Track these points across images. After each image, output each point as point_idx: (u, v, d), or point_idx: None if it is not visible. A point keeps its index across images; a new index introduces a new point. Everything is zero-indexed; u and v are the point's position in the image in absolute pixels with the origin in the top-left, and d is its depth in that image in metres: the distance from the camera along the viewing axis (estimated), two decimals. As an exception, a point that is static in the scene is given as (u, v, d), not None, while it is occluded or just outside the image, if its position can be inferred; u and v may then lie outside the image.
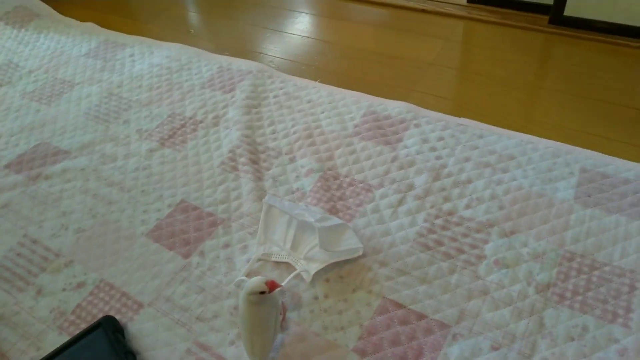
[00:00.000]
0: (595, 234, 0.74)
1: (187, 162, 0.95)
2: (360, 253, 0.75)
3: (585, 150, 0.86)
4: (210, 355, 0.67)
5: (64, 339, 0.70)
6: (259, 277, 0.61)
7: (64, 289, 0.78)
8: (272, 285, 0.60)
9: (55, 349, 0.68)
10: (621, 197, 0.78)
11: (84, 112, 1.11)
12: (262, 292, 0.60)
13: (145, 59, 1.25)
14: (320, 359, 0.65)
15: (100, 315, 0.73)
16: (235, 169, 0.92)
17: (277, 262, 0.76)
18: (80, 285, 0.78)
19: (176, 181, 0.92)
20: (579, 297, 0.67)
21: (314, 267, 0.74)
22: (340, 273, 0.74)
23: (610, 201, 0.77)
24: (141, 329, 0.72)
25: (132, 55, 1.28)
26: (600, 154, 0.85)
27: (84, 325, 0.71)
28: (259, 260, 0.77)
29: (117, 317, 0.73)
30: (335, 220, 0.76)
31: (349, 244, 0.75)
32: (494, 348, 0.64)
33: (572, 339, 0.64)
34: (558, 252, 0.72)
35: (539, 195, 0.80)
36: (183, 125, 1.04)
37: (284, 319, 0.69)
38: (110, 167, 0.97)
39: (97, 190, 0.93)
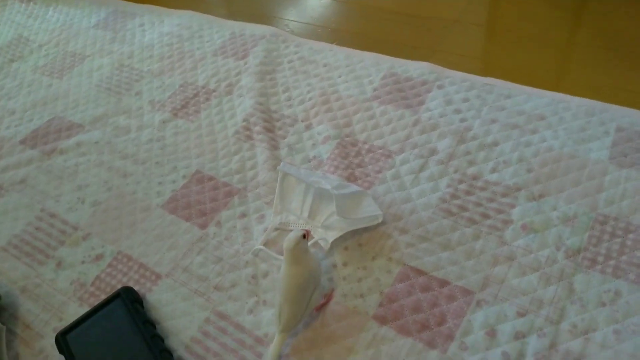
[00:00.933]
0: (631, 196, 0.73)
1: (200, 133, 0.97)
2: (380, 220, 0.76)
3: (621, 107, 0.84)
4: (228, 324, 0.70)
5: (85, 309, 0.74)
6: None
7: (82, 262, 0.82)
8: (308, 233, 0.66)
9: (76, 320, 0.72)
10: (661, 156, 0.76)
11: (95, 85, 1.14)
12: (303, 236, 0.65)
13: (155, 28, 1.27)
14: (339, 326, 0.67)
15: (119, 287, 0.76)
16: (250, 138, 0.94)
17: None
18: (99, 257, 0.82)
19: (190, 152, 0.94)
20: (612, 262, 0.67)
21: (332, 235, 0.75)
22: (360, 241, 0.75)
23: (648, 161, 0.76)
24: (160, 299, 0.75)
25: (142, 24, 1.29)
26: (637, 111, 0.83)
27: (103, 297, 0.75)
28: (276, 229, 0.79)
29: (136, 288, 0.76)
30: (353, 188, 0.77)
31: (368, 211, 0.76)
32: (520, 314, 0.64)
33: (604, 305, 0.64)
34: (590, 215, 0.72)
35: (570, 156, 0.79)
36: (196, 95, 1.05)
37: (326, 303, 0.70)
38: (123, 140, 1.00)
39: (111, 163, 0.96)
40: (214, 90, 1.06)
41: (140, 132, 1.01)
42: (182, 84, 1.09)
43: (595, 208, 0.73)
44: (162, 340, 0.70)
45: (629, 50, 0.98)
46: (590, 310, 0.63)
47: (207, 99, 1.04)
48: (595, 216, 0.72)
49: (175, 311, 0.73)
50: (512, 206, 0.75)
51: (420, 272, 0.71)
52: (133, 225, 0.85)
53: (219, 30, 1.21)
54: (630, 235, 0.69)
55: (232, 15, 1.31)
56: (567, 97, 0.88)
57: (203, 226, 0.82)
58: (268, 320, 0.69)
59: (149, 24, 1.29)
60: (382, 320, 0.67)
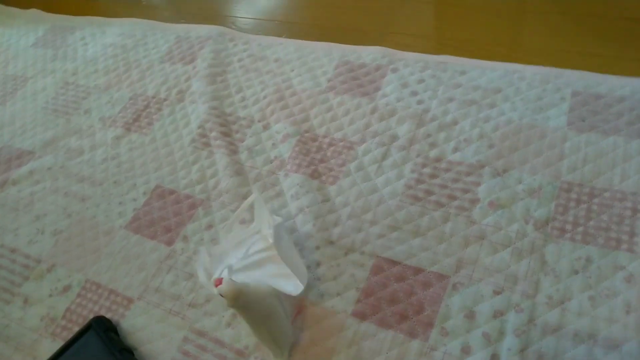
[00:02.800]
0: (593, 160, 0.73)
1: (156, 145, 0.94)
2: (300, 291, 0.64)
3: (575, 71, 0.84)
4: (208, 340, 0.69)
5: (59, 344, 0.71)
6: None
7: (50, 295, 0.79)
8: (217, 282, 0.59)
9: (49, 358, 0.70)
10: (617, 116, 0.77)
11: (41, 107, 1.09)
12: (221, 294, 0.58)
13: (97, 40, 1.22)
14: (319, 328, 0.67)
15: (91, 316, 0.74)
16: (207, 145, 0.91)
17: None
18: (66, 288, 0.79)
19: (148, 167, 0.91)
20: (580, 228, 0.67)
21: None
22: (330, 238, 0.74)
23: (605, 123, 0.76)
24: (134, 324, 0.73)
25: (83, 38, 1.24)
26: (592, 73, 0.83)
27: (76, 329, 0.73)
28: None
29: (108, 315, 0.74)
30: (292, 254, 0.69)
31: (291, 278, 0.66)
32: (496, 292, 0.65)
33: (576, 272, 0.64)
34: (555, 184, 0.72)
35: (530, 127, 0.79)
36: (147, 106, 1.02)
37: (298, 314, 0.66)
38: (77, 162, 0.96)
39: (67, 187, 0.92)
40: (165, 99, 1.02)
41: (94, 152, 0.97)
42: (132, 97, 1.05)
43: (559, 176, 0.73)
44: (141, 367, 0.68)
45: (577, 13, 0.98)
46: (564, 279, 0.64)
47: (159, 109, 1.00)
48: (560, 184, 0.72)
49: (152, 334, 0.71)
50: (478, 184, 0.75)
51: (393, 263, 0.70)
52: (97, 250, 0.82)
53: (163, 35, 1.17)
54: (595, 200, 0.69)
55: (176, 17, 1.26)
56: (521, 66, 0.88)
57: (170, 243, 0.80)
58: (247, 331, 0.68)
59: (90, 37, 1.24)
60: (362, 316, 0.66)
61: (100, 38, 1.22)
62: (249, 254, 0.68)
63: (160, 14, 1.30)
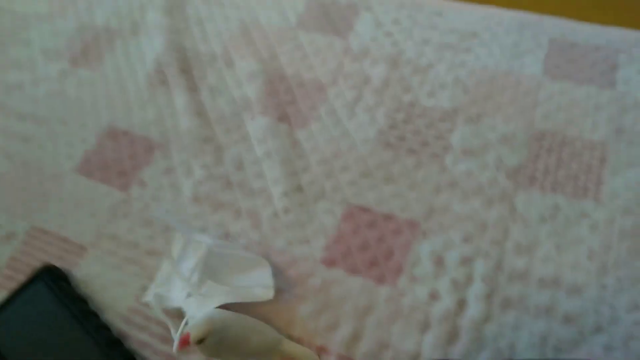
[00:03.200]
0: (566, 109, 0.73)
1: (108, 82, 0.86)
2: (271, 296, 0.61)
3: (553, 18, 0.82)
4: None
5: (2, 295, 0.66)
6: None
7: (-8, 243, 0.73)
8: (181, 343, 0.51)
9: (-8, 308, 0.65)
10: (591, 66, 0.76)
11: (-28, 36, 0.97)
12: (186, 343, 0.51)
13: (35, -40, 1.09)
14: (287, 276, 0.65)
15: (39, 266, 0.69)
16: (164, 82, 0.84)
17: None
18: (10, 236, 0.73)
19: (98, 105, 0.84)
20: (550, 177, 0.68)
21: (206, 306, 0.58)
22: (299, 184, 0.71)
23: (580, 72, 0.76)
24: (88, 273, 0.69)
25: (18, -43, 1.10)
26: (570, 21, 0.81)
27: (22, 279, 0.67)
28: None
29: (59, 264, 0.69)
30: (246, 253, 0.65)
31: (257, 280, 0.62)
32: (466, 239, 0.64)
33: (544, 220, 0.65)
34: (528, 132, 0.71)
35: (505, 73, 0.77)
36: (96, 38, 0.92)
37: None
38: (17, 98, 0.87)
39: (6, 127, 0.84)
40: (116, 31, 0.93)
41: (36, 88, 0.88)
42: (79, 27, 0.95)
43: (532, 125, 0.72)
44: (97, 316, 0.64)
45: (555, -45, 0.95)
46: (532, 226, 0.64)
47: (110, 42, 0.91)
48: (533, 132, 0.71)
49: (108, 283, 0.67)
50: (451, 131, 0.73)
51: (364, 210, 0.68)
52: (44, 195, 0.76)
53: (113, -42, 1.05)
54: (566, 149, 0.69)
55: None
56: (500, 10, 0.85)
57: (124, 187, 0.74)
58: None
59: (27, -43, 1.10)
60: (330, 262, 0.65)
61: (38, -41, 1.09)
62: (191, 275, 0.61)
63: None
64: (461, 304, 0.60)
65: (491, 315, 0.59)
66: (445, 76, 0.78)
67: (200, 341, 0.51)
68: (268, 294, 0.62)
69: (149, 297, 0.63)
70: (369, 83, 0.79)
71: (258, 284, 0.62)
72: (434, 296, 0.61)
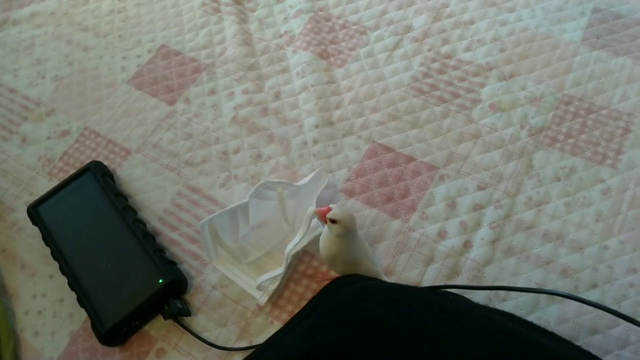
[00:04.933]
0: (598, 77, 0.72)
1: (165, 4, 0.89)
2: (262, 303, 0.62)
3: (601, -13, 0.80)
4: (201, 197, 0.70)
5: (55, 184, 0.72)
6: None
7: (48, 137, 0.78)
8: (321, 212, 0.54)
9: (47, 192, 0.70)
10: (632, 38, 0.74)
11: (45, -51, 1.01)
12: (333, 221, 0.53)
13: None
14: (309, 199, 0.68)
15: (88, 162, 0.74)
16: (217, 10, 0.86)
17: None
18: (65, 133, 0.78)
19: (155, 25, 0.87)
20: (571, 140, 0.68)
21: (260, 280, 0.60)
22: (331, 119, 0.74)
23: (619, 43, 0.74)
24: (130, 174, 0.73)
25: None
26: (617, -8, 0.79)
27: (72, 172, 0.73)
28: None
29: (105, 163, 0.74)
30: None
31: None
32: (480, 188, 0.66)
33: (559, 179, 0.65)
34: (556, 95, 0.71)
35: (544, 36, 0.76)
36: (158, -37, 0.95)
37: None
38: (82, 11, 0.91)
39: (71, 35, 0.88)
40: (177, -42, 0.95)
41: (100, 3, 0.91)
42: (143, -50, 0.97)
43: (562, 88, 0.72)
44: (135, 212, 0.69)
45: None
46: (546, 184, 0.65)
47: (171, -32, 0.94)
48: (561, 96, 0.71)
49: (147, 185, 0.72)
50: (482, 85, 0.73)
51: (388, 149, 0.70)
52: (98, 101, 0.80)
53: None
54: (592, 116, 0.69)
55: None
56: (549, -26, 0.83)
57: (171, 102, 0.78)
58: (239, 194, 0.69)
59: None
60: (350, 193, 0.68)
61: None
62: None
63: None
64: (467, 245, 0.63)
65: (493, 259, 0.62)
66: (485, 32, 0.78)
67: (334, 221, 0.53)
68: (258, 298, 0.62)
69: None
70: (410, 31, 0.80)
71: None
72: (442, 235, 0.64)
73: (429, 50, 0.77)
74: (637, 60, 0.72)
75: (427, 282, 0.61)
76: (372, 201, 0.67)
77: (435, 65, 0.76)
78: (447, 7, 0.81)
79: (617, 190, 0.64)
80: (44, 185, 0.74)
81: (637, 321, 0.44)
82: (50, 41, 0.88)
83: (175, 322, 0.61)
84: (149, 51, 0.84)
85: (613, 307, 0.58)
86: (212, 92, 0.78)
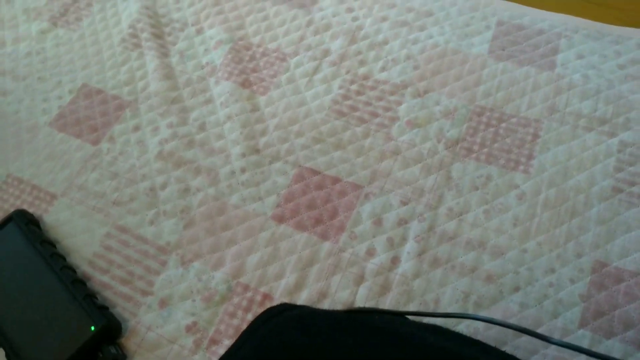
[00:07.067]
0: (506, 87, 0.73)
1: (84, 43, 0.85)
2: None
3: (503, 1, 0.81)
4: (130, 237, 0.67)
5: (-22, 236, 0.67)
6: None
7: (-31, 188, 0.73)
8: None
9: (-33, 247, 0.66)
10: (534, 48, 0.76)
11: (-41, -7, 0.95)
12: None
13: None
14: (240, 229, 0.66)
15: (12, 210, 0.69)
16: (138, 45, 0.83)
17: None
18: (-13, 182, 0.73)
19: (75, 64, 0.83)
20: (485, 149, 0.69)
21: None
22: (257, 147, 0.72)
23: (522, 53, 0.76)
24: (57, 219, 0.69)
25: None
26: (518, 5, 0.81)
27: (-3, 222, 0.68)
28: None
29: (31, 210, 0.70)
30: None
31: None
32: (403, 203, 0.66)
33: (476, 189, 0.66)
34: (469, 107, 0.72)
35: (454, 51, 0.77)
36: (75, 1, 0.90)
37: None
38: (-1, 55, 0.86)
39: (-13, 81, 0.83)
40: (95, -5, 0.91)
41: (17, 45, 0.86)
42: (60, -11, 0.93)
43: (473, 101, 0.73)
44: (64, 258, 0.65)
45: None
46: (465, 194, 0.66)
47: (89, 5, 0.89)
48: (473, 108, 0.72)
49: (75, 229, 0.68)
50: (399, 103, 0.73)
51: (314, 172, 0.69)
52: (20, 146, 0.76)
53: None
54: (503, 125, 0.70)
55: None
56: (455, -8, 0.84)
57: (95, 142, 0.75)
58: (169, 229, 0.66)
59: None
60: (280, 219, 0.66)
61: None
62: None
63: None
64: (394, 261, 0.62)
65: (420, 272, 0.61)
66: (398, 52, 0.78)
67: None
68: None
69: None
70: (328, 55, 0.79)
71: None
72: (371, 253, 0.63)
73: (347, 72, 0.77)
74: (540, 68, 0.74)
75: (359, 301, 0.60)
76: (302, 225, 0.66)
77: (354, 87, 0.76)
78: (362, 30, 0.81)
79: (531, 194, 0.65)
80: (-33, 239, 0.69)
81: (540, 334, 0.44)
82: (-33, 87, 0.83)
83: (109, 369, 0.58)
84: (70, 91, 0.80)
85: (536, 307, 0.60)
86: (137, 128, 0.75)
